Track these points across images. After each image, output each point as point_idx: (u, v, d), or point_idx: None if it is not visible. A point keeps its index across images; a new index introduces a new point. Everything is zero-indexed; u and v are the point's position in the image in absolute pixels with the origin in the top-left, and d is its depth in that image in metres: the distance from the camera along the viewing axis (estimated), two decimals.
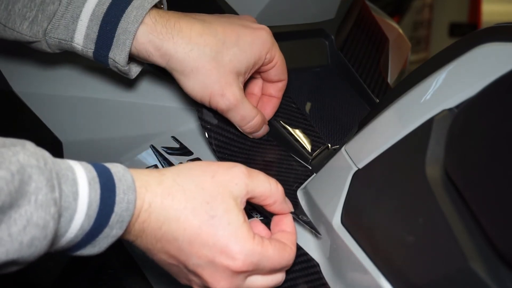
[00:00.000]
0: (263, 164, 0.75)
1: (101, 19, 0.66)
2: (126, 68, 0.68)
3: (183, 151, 0.77)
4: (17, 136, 0.51)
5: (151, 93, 0.79)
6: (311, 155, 0.75)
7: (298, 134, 0.76)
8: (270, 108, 0.76)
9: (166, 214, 0.55)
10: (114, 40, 0.66)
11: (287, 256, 0.60)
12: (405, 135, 0.58)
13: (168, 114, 0.80)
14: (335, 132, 0.81)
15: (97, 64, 0.78)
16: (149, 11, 0.66)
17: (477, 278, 0.46)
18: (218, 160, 0.73)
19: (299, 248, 0.68)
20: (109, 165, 0.53)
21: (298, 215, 0.66)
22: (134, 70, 0.71)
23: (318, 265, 0.66)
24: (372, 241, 0.59)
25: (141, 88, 0.80)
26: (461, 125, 0.53)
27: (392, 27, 1.14)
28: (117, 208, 0.51)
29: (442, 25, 3.78)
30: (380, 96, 0.88)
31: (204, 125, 0.73)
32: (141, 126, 0.81)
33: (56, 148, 0.83)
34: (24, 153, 0.46)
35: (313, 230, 0.66)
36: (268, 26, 0.80)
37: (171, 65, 0.68)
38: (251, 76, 0.74)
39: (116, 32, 0.66)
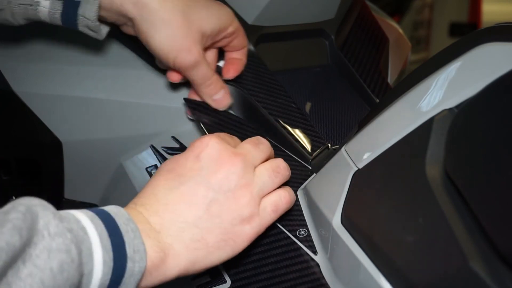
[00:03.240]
0: None
1: None
2: (97, 24, 0.68)
3: (183, 151, 0.77)
4: (17, 136, 0.51)
5: (151, 93, 0.80)
6: (311, 155, 0.75)
7: (298, 134, 0.76)
8: (237, 66, 0.77)
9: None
10: None
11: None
12: (405, 135, 0.58)
13: (168, 114, 0.80)
14: (335, 132, 0.81)
15: (97, 64, 0.78)
16: None
17: (477, 278, 0.46)
18: None
19: (299, 249, 0.68)
20: (120, 226, 0.53)
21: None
22: (104, 30, 0.71)
23: (318, 265, 0.66)
24: (372, 241, 0.59)
25: (141, 88, 0.80)
26: (461, 125, 0.53)
27: (392, 27, 1.14)
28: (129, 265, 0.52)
29: (442, 25, 3.78)
30: (380, 96, 0.88)
31: (204, 126, 0.73)
32: (141, 126, 0.81)
33: (56, 148, 0.83)
34: (28, 199, 0.46)
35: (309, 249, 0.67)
36: (268, 26, 0.81)
37: (143, 14, 0.67)
38: (210, 48, 0.76)
39: None
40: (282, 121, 0.76)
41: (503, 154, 0.47)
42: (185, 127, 0.79)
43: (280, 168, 0.64)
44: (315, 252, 0.67)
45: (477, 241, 0.48)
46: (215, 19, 0.72)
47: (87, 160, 0.82)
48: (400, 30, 1.19)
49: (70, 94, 0.81)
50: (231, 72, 0.77)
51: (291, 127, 0.77)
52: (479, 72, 0.55)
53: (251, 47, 0.80)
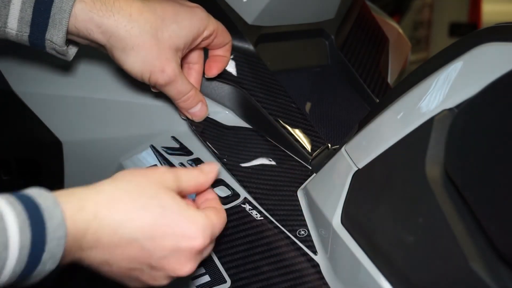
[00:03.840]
0: (263, 164, 0.75)
1: (34, 0, 0.66)
2: (64, 48, 0.69)
3: (183, 151, 0.77)
4: (17, 136, 0.51)
5: (151, 93, 0.79)
6: (311, 155, 0.75)
7: (298, 134, 0.76)
8: (220, 63, 0.77)
9: (117, 218, 0.55)
10: (50, 20, 0.66)
11: (224, 216, 0.63)
12: (405, 135, 0.58)
13: (168, 114, 0.80)
14: (335, 132, 0.81)
15: (97, 64, 0.78)
16: None
17: (477, 278, 0.46)
18: (219, 161, 0.74)
19: (299, 249, 0.68)
20: (38, 199, 0.51)
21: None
22: (71, 51, 0.71)
23: (318, 265, 0.66)
24: (372, 241, 0.59)
25: (141, 88, 0.80)
26: (461, 125, 0.53)
27: (392, 27, 1.14)
28: (48, 247, 0.50)
29: (442, 25, 3.78)
30: (380, 96, 0.88)
31: (197, 130, 0.74)
32: (141, 126, 0.81)
33: (56, 148, 0.83)
34: None
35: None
36: (268, 26, 0.80)
37: (112, 42, 0.68)
38: (192, 50, 0.76)
39: (51, 12, 0.66)
40: (282, 121, 0.76)
41: (503, 154, 0.47)
42: (185, 127, 0.79)
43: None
44: (315, 252, 0.67)
45: (477, 241, 0.48)
46: (186, 31, 0.71)
47: (87, 160, 0.82)
48: (400, 30, 1.19)
49: (70, 94, 0.81)
50: (214, 70, 0.77)
51: (291, 127, 0.77)
52: (479, 72, 0.55)
53: (251, 47, 0.80)
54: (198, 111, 0.75)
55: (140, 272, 0.59)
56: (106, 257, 0.56)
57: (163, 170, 0.61)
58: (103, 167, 0.81)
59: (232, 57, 0.80)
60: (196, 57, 0.77)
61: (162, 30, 0.69)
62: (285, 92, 0.79)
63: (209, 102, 0.78)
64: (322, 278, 0.65)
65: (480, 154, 0.50)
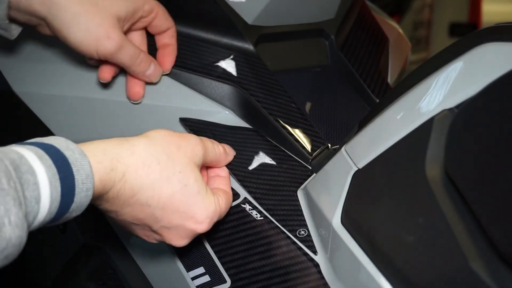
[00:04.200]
0: (263, 164, 0.75)
1: None
2: (6, 22, 0.68)
3: None
4: (17, 135, 0.51)
5: (151, 93, 0.79)
6: (311, 155, 0.75)
7: (298, 134, 0.76)
8: (170, 56, 0.78)
9: (140, 183, 0.58)
10: None
11: (231, 201, 0.68)
12: (405, 135, 0.58)
13: (168, 114, 0.80)
14: (335, 132, 0.81)
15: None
16: None
17: (477, 278, 0.46)
18: None
19: (299, 249, 0.68)
20: (66, 152, 0.52)
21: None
22: (15, 30, 0.71)
23: (318, 265, 0.66)
24: (372, 241, 0.59)
25: None
26: (461, 125, 0.53)
27: (392, 27, 1.14)
28: (77, 198, 0.52)
29: (442, 25, 3.78)
30: (380, 96, 0.88)
31: (196, 130, 0.74)
32: (141, 126, 0.81)
33: None
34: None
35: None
36: (268, 26, 0.80)
37: (52, 12, 0.68)
38: (132, 30, 0.76)
39: None
40: (282, 121, 0.76)
41: (503, 154, 0.47)
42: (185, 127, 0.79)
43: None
44: (315, 252, 0.67)
45: (477, 241, 0.48)
46: (126, 0, 0.72)
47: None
48: (400, 30, 1.19)
49: (70, 94, 0.81)
50: (167, 64, 0.78)
51: (291, 127, 0.77)
52: (479, 72, 0.55)
53: (251, 47, 0.80)
54: (153, 72, 0.76)
55: (138, 228, 0.63)
56: (117, 209, 0.59)
57: (195, 141, 0.64)
58: None
59: (232, 57, 0.80)
60: (138, 39, 0.77)
61: None
62: (285, 92, 0.79)
63: (209, 102, 0.78)
64: (322, 278, 0.65)
65: (480, 154, 0.50)
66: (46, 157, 0.51)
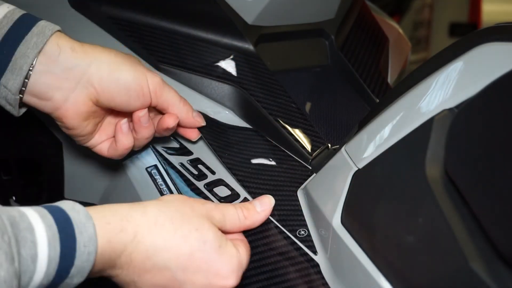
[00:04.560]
0: (263, 164, 0.75)
1: None
2: (17, 97, 0.64)
3: (183, 151, 0.77)
4: (17, 136, 0.51)
5: None
6: (311, 155, 0.75)
7: (298, 134, 0.76)
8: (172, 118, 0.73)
9: (155, 244, 0.55)
10: (10, 64, 0.62)
11: (249, 250, 0.64)
12: (405, 135, 0.58)
13: None
14: (335, 132, 0.81)
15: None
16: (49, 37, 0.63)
17: (477, 278, 0.46)
18: (219, 161, 0.74)
19: (299, 249, 0.68)
20: (71, 213, 0.51)
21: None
22: (21, 109, 0.67)
23: (318, 265, 0.66)
24: (372, 241, 0.59)
25: None
26: (461, 125, 0.53)
27: (392, 27, 1.14)
28: (77, 261, 0.50)
29: (442, 25, 3.78)
30: (380, 96, 0.88)
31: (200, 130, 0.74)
32: None
33: (56, 148, 0.83)
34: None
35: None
36: (268, 26, 0.80)
37: (93, 65, 0.65)
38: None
39: (14, 56, 0.62)
40: (282, 121, 0.76)
41: (503, 154, 0.47)
42: None
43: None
44: (315, 252, 0.67)
45: (477, 241, 0.48)
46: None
47: (87, 160, 0.82)
48: (400, 30, 1.19)
49: None
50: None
51: (291, 127, 0.77)
52: (479, 72, 0.55)
53: (251, 47, 0.80)
54: (198, 113, 0.74)
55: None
56: (135, 279, 0.56)
57: (211, 206, 0.62)
58: (103, 167, 0.81)
59: (232, 57, 0.80)
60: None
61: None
62: (285, 92, 0.79)
63: (209, 102, 0.78)
64: (322, 278, 0.65)
65: (480, 154, 0.50)
66: (49, 216, 0.49)
